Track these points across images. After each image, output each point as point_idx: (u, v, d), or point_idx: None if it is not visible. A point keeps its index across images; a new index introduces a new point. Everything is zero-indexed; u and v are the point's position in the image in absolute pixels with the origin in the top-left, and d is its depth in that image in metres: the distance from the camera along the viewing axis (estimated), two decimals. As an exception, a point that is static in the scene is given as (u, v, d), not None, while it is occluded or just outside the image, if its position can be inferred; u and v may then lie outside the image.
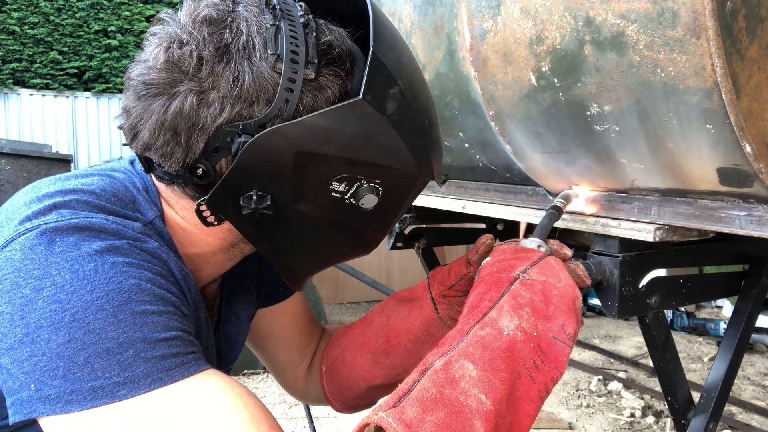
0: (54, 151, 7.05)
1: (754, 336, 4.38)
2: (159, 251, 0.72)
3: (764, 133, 0.79)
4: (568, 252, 0.89)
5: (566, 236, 1.67)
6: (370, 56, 0.70)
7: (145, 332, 0.63)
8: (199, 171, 0.73)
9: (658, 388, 3.79)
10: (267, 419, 0.66)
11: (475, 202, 1.42)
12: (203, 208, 0.73)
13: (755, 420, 3.57)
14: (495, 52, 1.03)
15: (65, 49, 9.93)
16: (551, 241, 0.90)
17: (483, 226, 2.02)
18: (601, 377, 4.23)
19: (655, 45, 0.78)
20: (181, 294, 0.73)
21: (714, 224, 0.92)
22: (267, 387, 4.04)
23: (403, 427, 0.59)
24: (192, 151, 0.71)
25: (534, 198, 1.27)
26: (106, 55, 10.10)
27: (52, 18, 9.86)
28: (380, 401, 0.65)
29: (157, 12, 1.00)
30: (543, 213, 0.97)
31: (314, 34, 0.73)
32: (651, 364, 2.04)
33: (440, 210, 1.55)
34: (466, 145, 1.30)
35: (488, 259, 0.85)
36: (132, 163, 0.84)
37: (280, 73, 0.70)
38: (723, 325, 4.83)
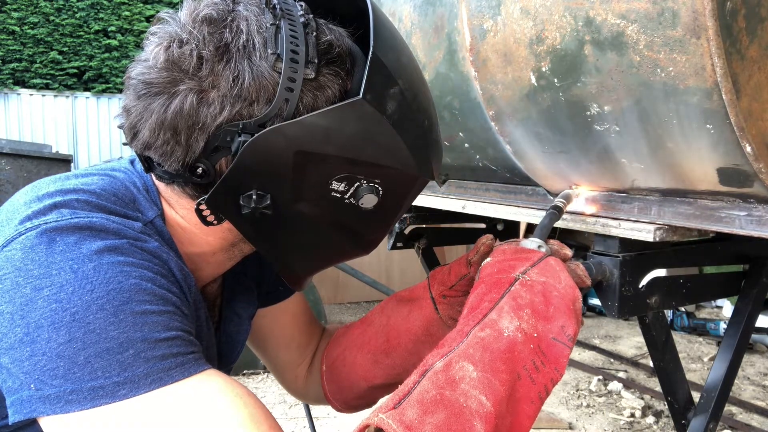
0: (54, 151, 7.04)
1: (754, 336, 4.38)
2: (159, 251, 0.72)
3: (764, 133, 0.78)
4: (569, 252, 0.89)
5: (566, 236, 1.67)
6: (370, 56, 0.70)
7: (145, 332, 0.63)
8: (199, 170, 0.73)
9: (658, 388, 3.79)
10: (267, 419, 0.66)
11: (475, 202, 1.42)
12: (203, 207, 0.73)
13: (755, 420, 3.57)
14: (495, 52, 1.03)
15: (65, 49, 9.94)
16: (551, 241, 0.90)
17: (483, 226, 2.02)
18: (601, 377, 4.23)
19: (655, 45, 0.78)
20: (182, 294, 0.73)
21: (714, 224, 0.92)
22: (267, 387, 4.04)
23: (403, 429, 0.59)
24: (192, 151, 0.71)
25: (534, 198, 1.27)
26: (106, 55, 10.11)
27: (52, 18, 9.86)
28: (380, 402, 0.65)
29: (157, 12, 1.00)
30: (543, 213, 0.97)
31: (314, 33, 0.73)
32: (651, 364, 2.04)
33: (440, 210, 1.55)
34: (466, 145, 1.30)
35: (488, 259, 0.85)
36: (132, 162, 0.84)
37: (280, 73, 0.70)
38: (723, 325, 4.83)
